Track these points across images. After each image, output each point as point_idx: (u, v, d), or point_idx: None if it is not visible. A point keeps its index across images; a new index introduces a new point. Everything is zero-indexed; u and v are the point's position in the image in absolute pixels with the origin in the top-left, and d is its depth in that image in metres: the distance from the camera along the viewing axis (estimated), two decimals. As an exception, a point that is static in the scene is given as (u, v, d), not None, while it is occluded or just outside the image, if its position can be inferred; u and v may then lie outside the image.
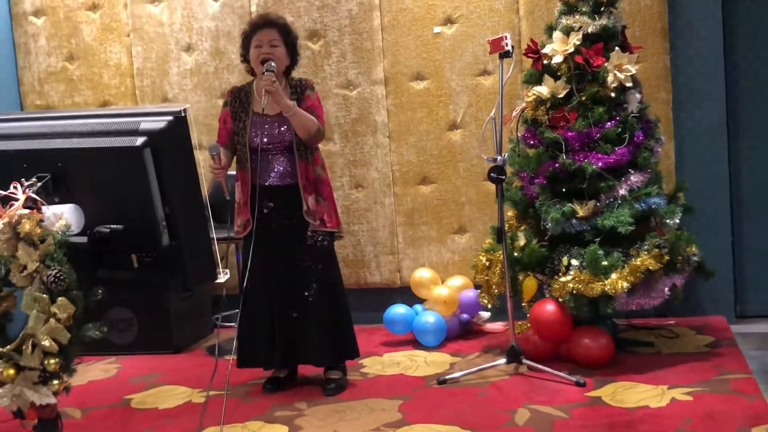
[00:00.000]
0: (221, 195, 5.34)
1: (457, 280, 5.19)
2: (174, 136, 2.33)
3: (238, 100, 4.23)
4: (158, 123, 2.28)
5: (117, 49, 5.75)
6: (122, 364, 5.09)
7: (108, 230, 2.33)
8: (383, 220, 5.47)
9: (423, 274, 5.20)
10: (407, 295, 5.29)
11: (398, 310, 5.09)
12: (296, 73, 5.28)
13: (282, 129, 4.15)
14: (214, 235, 2.44)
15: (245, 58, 4.25)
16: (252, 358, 4.34)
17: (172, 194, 2.34)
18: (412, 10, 5.29)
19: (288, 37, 4.22)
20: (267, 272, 4.21)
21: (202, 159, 5.56)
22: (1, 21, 5.75)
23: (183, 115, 2.33)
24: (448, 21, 5.27)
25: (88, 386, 4.71)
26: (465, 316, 5.12)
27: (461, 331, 5.13)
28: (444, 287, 5.11)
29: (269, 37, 4.15)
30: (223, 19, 5.55)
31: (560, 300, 4.29)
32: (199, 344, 5.38)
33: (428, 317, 4.97)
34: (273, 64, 4.08)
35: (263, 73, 4.04)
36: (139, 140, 2.27)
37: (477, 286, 4.90)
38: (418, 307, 5.15)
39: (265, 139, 4.14)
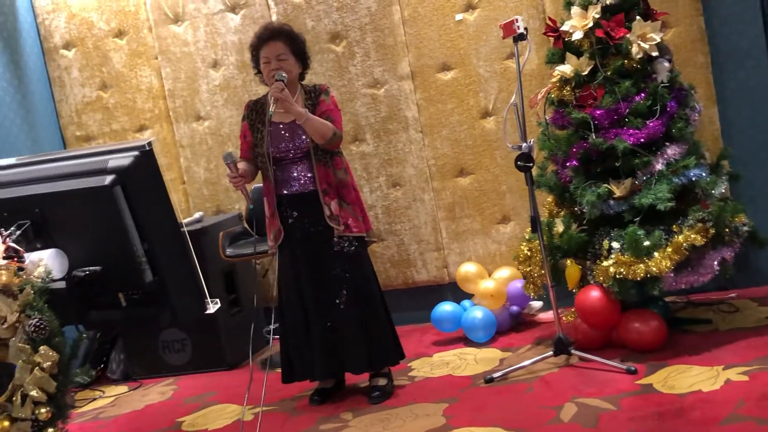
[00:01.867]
0: (258, 209, 5.40)
1: (504, 272, 5.06)
2: (142, 171, 2.28)
3: (255, 112, 4.22)
4: (125, 159, 2.24)
5: (147, 72, 5.79)
6: (179, 384, 5.14)
7: (85, 273, 2.30)
8: (425, 217, 5.36)
9: (468, 268, 5.08)
10: (457, 291, 5.18)
11: (445, 308, 4.98)
12: (321, 77, 5.29)
13: (299, 136, 4.09)
14: (197, 265, 2.41)
15: (258, 70, 4.22)
16: (295, 372, 4.29)
17: (148, 229, 2.29)
18: (431, 0, 5.16)
19: (294, 44, 4.15)
20: (300, 283, 4.17)
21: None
22: (33, 57, 5.85)
23: (148, 149, 2.28)
24: (470, 7, 5.12)
25: (144, 411, 4.76)
26: (514, 308, 4.98)
27: (513, 323, 4.99)
28: (490, 280, 4.98)
29: (276, 52, 4.09)
30: (246, 32, 5.52)
31: (605, 285, 4.11)
32: (252, 358, 5.38)
33: (476, 313, 4.85)
34: (283, 74, 4.02)
35: (274, 80, 4.00)
36: (108, 179, 2.23)
37: (524, 276, 4.75)
38: (466, 302, 5.04)
39: (284, 148, 4.09)
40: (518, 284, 4.91)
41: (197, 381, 5.14)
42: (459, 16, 5.14)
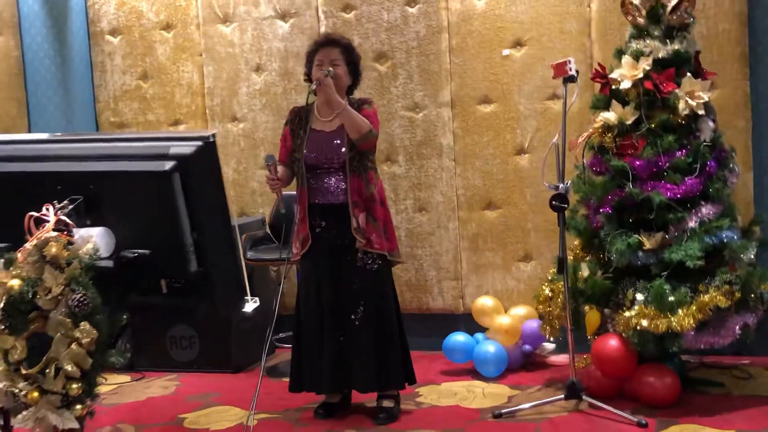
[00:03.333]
0: (282, 216, 5.42)
1: (520, 310, 5.04)
2: (203, 161, 2.29)
3: (299, 117, 4.23)
4: (187, 148, 2.25)
5: (189, 68, 5.82)
6: (181, 381, 5.12)
7: (134, 255, 2.30)
8: (447, 245, 5.37)
9: (485, 302, 5.07)
10: (470, 322, 5.17)
11: (458, 338, 4.97)
12: (361, 95, 5.28)
13: (338, 146, 4.10)
14: (243, 261, 2.40)
15: (309, 77, 4.23)
16: (304, 382, 4.28)
17: (200, 220, 2.29)
18: (480, 32, 5.20)
19: (350, 56, 4.18)
20: (320, 293, 4.16)
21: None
22: (79, 39, 5.89)
23: (212, 140, 2.29)
24: (518, 44, 5.15)
25: (146, 402, 4.74)
26: (527, 347, 4.97)
27: (524, 362, 4.98)
28: (506, 316, 4.97)
29: (331, 56, 4.14)
30: (293, 40, 5.56)
31: (624, 335, 4.11)
32: (258, 364, 5.35)
33: (489, 347, 4.83)
34: (331, 69, 4.07)
35: (324, 77, 4.03)
36: (168, 165, 2.23)
37: (541, 316, 4.74)
38: (479, 335, 5.02)
39: (321, 157, 4.10)
40: (533, 324, 4.89)
41: (201, 380, 5.12)
42: (506, 52, 5.17)
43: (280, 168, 4.18)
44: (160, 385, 5.05)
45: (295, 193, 4.26)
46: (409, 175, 5.38)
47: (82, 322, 2.19)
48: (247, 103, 5.71)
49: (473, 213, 5.31)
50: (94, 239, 2.28)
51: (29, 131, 5.62)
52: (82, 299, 2.18)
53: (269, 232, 5.36)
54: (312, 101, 4.22)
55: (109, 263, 2.31)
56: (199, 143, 2.25)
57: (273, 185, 4.04)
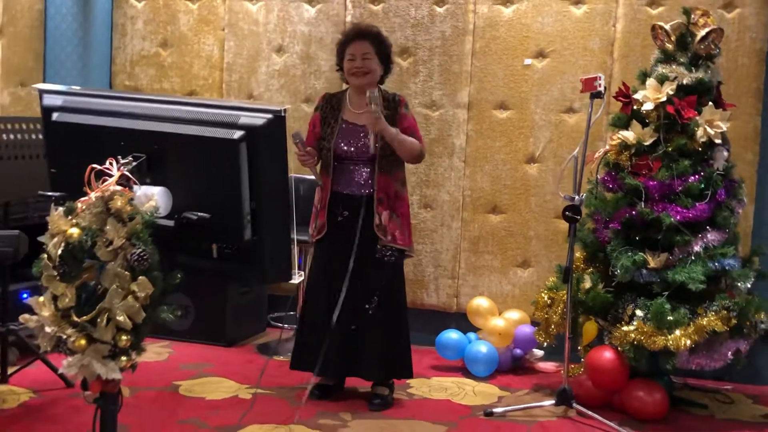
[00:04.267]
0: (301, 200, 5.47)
1: (514, 314, 5.15)
2: (271, 135, 2.34)
3: (330, 105, 4.28)
4: (257, 119, 2.30)
5: (210, 41, 5.85)
6: (174, 349, 5.16)
7: (195, 217, 2.35)
8: (448, 244, 5.46)
9: (481, 302, 5.16)
10: (462, 321, 5.27)
11: (451, 335, 5.06)
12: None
13: (368, 140, 4.16)
14: (295, 236, 2.47)
15: (340, 66, 4.29)
16: (305, 362, 4.33)
17: (260, 191, 2.34)
18: (505, 39, 5.29)
19: (381, 47, 4.24)
20: (331, 279, 4.22)
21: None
22: (103, 0, 5.89)
23: (282, 114, 2.35)
24: (540, 54, 5.25)
25: (139, 366, 4.75)
26: (518, 351, 5.07)
27: (512, 365, 5.08)
28: (501, 319, 5.07)
29: (362, 50, 4.19)
30: (317, 25, 5.61)
31: (620, 349, 4.22)
32: (250, 340, 5.43)
33: (481, 347, 4.93)
34: (375, 93, 4.06)
35: (367, 103, 4.03)
36: (237, 134, 2.28)
37: (534, 323, 4.85)
38: (471, 335, 5.12)
39: (351, 148, 4.17)
40: (527, 329, 5.01)
41: (193, 350, 5.16)
42: (528, 61, 5.27)
43: (309, 149, 4.20)
44: (153, 351, 5.08)
45: (311, 176, 4.30)
46: (417, 171, 5.45)
47: (140, 277, 2.24)
48: (265, 82, 5.75)
49: (477, 215, 5.40)
50: (155, 197, 2.33)
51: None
52: (142, 254, 2.23)
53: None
54: (345, 89, 4.28)
55: (170, 222, 2.36)
56: (270, 116, 2.30)
57: (305, 160, 4.07)
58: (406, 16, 5.44)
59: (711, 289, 4.23)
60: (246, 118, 2.32)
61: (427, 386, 4.70)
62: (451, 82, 5.39)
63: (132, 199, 2.30)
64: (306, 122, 5.64)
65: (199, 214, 2.34)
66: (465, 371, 4.97)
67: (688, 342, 4.06)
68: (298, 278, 2.60)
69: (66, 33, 5.63)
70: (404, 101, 4.27)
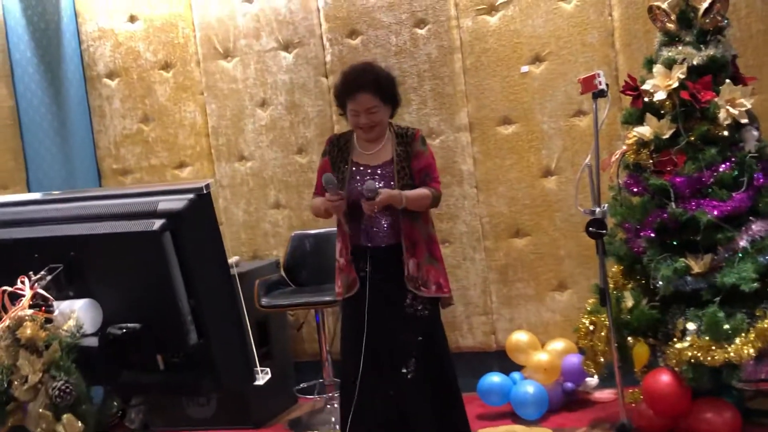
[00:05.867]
0: (298, 257, 5.11)
1: (558, 344, 4.71)
2: (197, 217, 1.98)
3: (338, 148, 3.81)
4: (177, 202, 1.94)
5: (191, 108, 5.55)
6: (199, 441, 4.80)
7: (122, 330, 1.98)
8: (474, 278, 5.03)
9: (520, 337, 4.74)
10: (503, 360, 4.84)
11: (493, 379, 4.63)
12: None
13: (386, 183, 3.67)
14: (249, 330, 2.10)
15: (343, 111, 3.84)
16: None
17: (197, 284, 1.98)
18: (496, 50, 4.89)
19: (384, 92, 3.72)
20: (362, 342, 3.69)
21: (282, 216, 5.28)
22: (75, 84, 5.62)
23: (206, 192, 1.98)
24: (536, 59, 4.84)
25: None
26: (569, 384, 4.61)
27: (566, 401, 4.62)
28: (544, 352, 4.63)
29: (365, 105, 3.67)
30: (298, 71, 5.28)
31: (676, 370, 3.75)
32: (280, 418, 5.05)
33: (527, 387, 4.48)
34: (374, 186, 3.58)
35: (360, 192, 3.61)
36: (157, 223, 1.92)
37: (581, 350, 4.39)
38: (515, 375, 4.68)
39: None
40: (574, 359, 4.55)
41: (220, 438, 4.80)
42: (525, 69, 4.87)
43: (319, 200, 3.77)
44: (177, 446, 4.73)
45: (333, 229, 3.90)
46: (429, 206, 5.05)
47: (65, 415, 1.87)
48: (254, 140, 5.42)
49: (500, 242, 4.98)
50: (77, 314, 1.97)
51: (28, 184, 5.33)
52: (64, 388, 1.87)
53: (284, 275, 5.05)
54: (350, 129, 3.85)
55: (93, 341, 2.00)
56: (191, 196, 1.94)
57: (339, 206, 3.64)
58: (387, 44, 5.08)
59: (766, 286, 3.74)
60: (165, 203, 1.95)
61: (476, 440, 4.27)
62: (447, 105, 5.00)
63: (49, 321, 1.94)
64: (302, 175, 5.35)
65: (126, 326, 1.98)
66: (514, 416, 4.54)
67: (752, 350, 3.60)
68: (263, 378, 2.20)
69: (42, 125, 5.38)
70: (420, 136, 3.77)
